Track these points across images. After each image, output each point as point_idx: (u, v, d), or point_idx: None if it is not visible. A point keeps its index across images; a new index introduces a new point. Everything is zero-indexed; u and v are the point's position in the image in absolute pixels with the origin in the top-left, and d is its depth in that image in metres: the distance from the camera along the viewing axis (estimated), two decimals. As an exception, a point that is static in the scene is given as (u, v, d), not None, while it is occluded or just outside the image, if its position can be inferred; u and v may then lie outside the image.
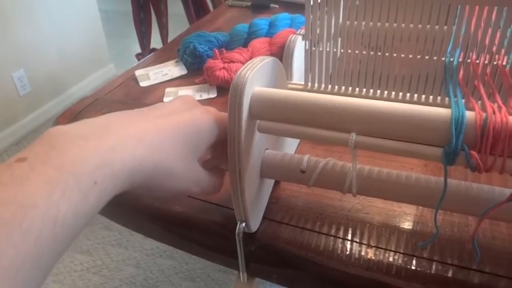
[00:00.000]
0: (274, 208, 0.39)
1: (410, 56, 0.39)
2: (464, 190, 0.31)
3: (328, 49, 0.42)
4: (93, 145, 0.24)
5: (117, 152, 0.25)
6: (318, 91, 0.43)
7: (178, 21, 1.76)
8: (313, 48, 0.42)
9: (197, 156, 0.32)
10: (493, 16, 0.35)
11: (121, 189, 0.26)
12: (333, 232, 0.37)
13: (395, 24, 0.38)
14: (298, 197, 0.40)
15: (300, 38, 0.46)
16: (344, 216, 0.38)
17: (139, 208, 0.42)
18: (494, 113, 0.27)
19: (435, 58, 0.38)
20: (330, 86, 0.43)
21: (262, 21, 0.75)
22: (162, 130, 0.29)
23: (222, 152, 0.34)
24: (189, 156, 0.31)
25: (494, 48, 0.36)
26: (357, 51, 0.41)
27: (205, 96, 0.61)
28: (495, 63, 0.36)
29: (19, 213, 0.20)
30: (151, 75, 0.67)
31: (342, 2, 0.39)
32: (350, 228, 0.37)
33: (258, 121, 0.33)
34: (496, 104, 0.29)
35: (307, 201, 0.40)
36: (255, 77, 0.32)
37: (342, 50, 0.41)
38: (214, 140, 0.33)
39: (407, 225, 0.37)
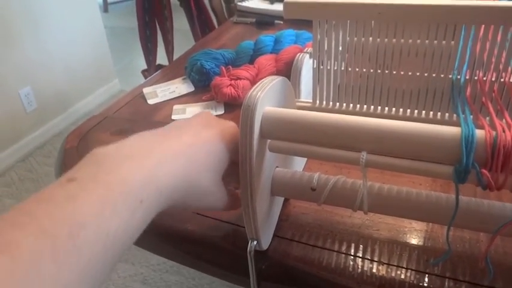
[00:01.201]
0: (284, 225, 0.39)
1: (418, 73, 0.40)
2: (475, 207, 0.31)
3: (335, 67, 0.42)
4: (138, 164, 0.26)
5: (160, 170, 0.27)
6: (326, 109, 0.44)
7: (182, 36, 1.78)
8: (321, 67, 0.42)
9: (222, 172, 0.33)
10: (499, 34, 0.35)
11: (164, 206, 0.27)
12: (344, 249, 0.37)
13: (402, 41, 0.39)
14: (308, 214, 0.40)
15: (307, 56, 0.47)
16: (355, 233, 0.38)
17: (149, 226, 0.42)
18: (504, 131, 0.27)
19: (442, 76, 0.39)
20: (338, 104, 0.44)
21: (267, 37, 0.76)
22: (195, 147, 0.31)
23: (232, 171, 0.35)
24: (217, 172, 0.32)
25: (501, 66, 0.36)
26: (364, 69, 0.41)
27: (212, 113, 0.62)
28: (502, 80, 0.37)
29: (74, 231, 0.21)
30: (159, 92, 0.67)
31: (348, 21, 0.40)
32: (361, 245, 0.37)
33: (268, 140, 0.34)
34: (504, 121, 0.30)
35: (317, 218, 0.40)
36: (266, 97, 0.32)
37: (350, 68, 0.42)
38: (232, 157, 0.34)
39: (418, 241, 0.37)
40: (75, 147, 0.55)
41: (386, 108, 0.42)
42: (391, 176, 0.44)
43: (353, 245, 0.37)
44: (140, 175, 0.26)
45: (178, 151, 0.29)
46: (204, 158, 0.31)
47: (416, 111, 0.42)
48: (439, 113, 0.41)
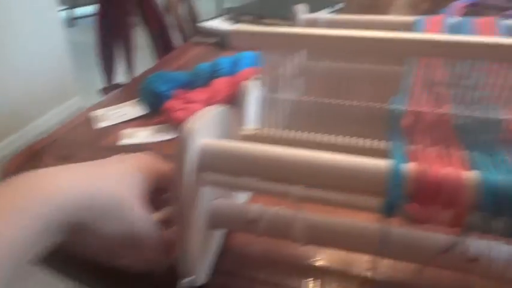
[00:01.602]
0: (224, 258, 0.38)
1: (361, 102, 0.40)
2: (407, 238, 0.32)
3: (283, 95, 0.42)
4: (40, 182, 0.27)
5: (61, 185, 0.28)
6: (273, 136, 0.44)
7: (146, 53, 1.77)
8: (268, 95, 0.43)
9: (142, 191, 0.33)
10: (440, 67, 0.37)
11: (70, 221, 0.27)
12: (287, 282, 0.36)
13: (348, 69, 0.40)
14: (251, 245, 0.39)
15: (254, 82, 0.47)
16: (298, 264, 0.38)
17: (87, 262, 0.39)
18: (431, 165, 0.28)
19: (383, 105, 0.40)
20: (285, 131, 0.44)
21: (225, 59, 0.75)
22: (106, 166, 0.33)
23: (156, 198, 0.35)
24: (139, 196, 0.32)
25: (436, 98, 0.37)
26: (312, 97, 0.42)
27: (165, 137, 0.60)
28: (436, 111, 0.38)
29: None
30: (110, 115, 0.66)
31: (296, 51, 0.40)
32: (304, 276, 0.36)
33: (205, 173, 0.33)
34: (435, 154, 0.30)
35: (260, 248, 0.39)
36: (202, 129, 0.32)
37: (297, 96, 0.42)
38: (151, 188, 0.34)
39: (360, 271, 0.37)
40: (12, 172, 0.53)
41: (333, 136, 0.42)
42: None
43: (295, 276, 0.36)
44: (39, 190, 0.26)
45: (91, 173, 0.31)
46: (124, 179, 0.32)
47: (362, 139, 0.42)
48: (383, 141, 0.41)
